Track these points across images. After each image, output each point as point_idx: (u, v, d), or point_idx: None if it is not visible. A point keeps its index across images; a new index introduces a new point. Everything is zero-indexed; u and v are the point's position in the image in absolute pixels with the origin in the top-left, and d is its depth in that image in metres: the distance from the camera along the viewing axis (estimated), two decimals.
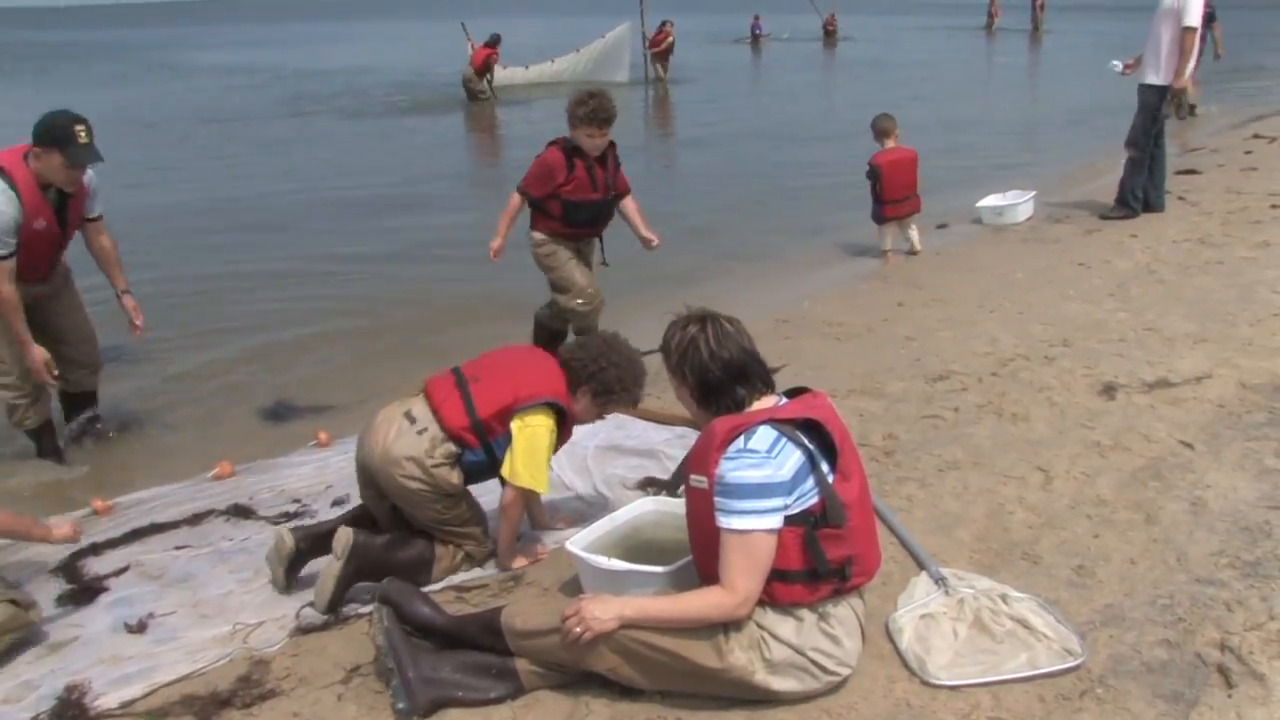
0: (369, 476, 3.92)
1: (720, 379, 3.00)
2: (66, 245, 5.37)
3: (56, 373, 5.30)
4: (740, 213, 11.49)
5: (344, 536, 3.74)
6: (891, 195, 8.76)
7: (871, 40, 37.66)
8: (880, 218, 8.93)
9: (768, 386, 3.06)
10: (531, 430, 3.82)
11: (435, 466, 3.79)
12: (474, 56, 23.48)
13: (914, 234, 8.98)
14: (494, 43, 23.50)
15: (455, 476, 3.85)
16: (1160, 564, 3.67)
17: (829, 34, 37.50)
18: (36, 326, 5.21)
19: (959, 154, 14.07)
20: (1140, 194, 9.61)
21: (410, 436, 3.82)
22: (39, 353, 5.16)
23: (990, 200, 9.91)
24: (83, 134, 4.88)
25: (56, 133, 4.86)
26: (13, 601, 3.68)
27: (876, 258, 9.05)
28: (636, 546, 3.63)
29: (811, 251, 9.72)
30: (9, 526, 3.84)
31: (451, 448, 3.84)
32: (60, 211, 5.12)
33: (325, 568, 3.75)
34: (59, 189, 5.04)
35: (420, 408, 3.89)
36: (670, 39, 26.97)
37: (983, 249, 9.10)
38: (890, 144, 8.73)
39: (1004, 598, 3.40)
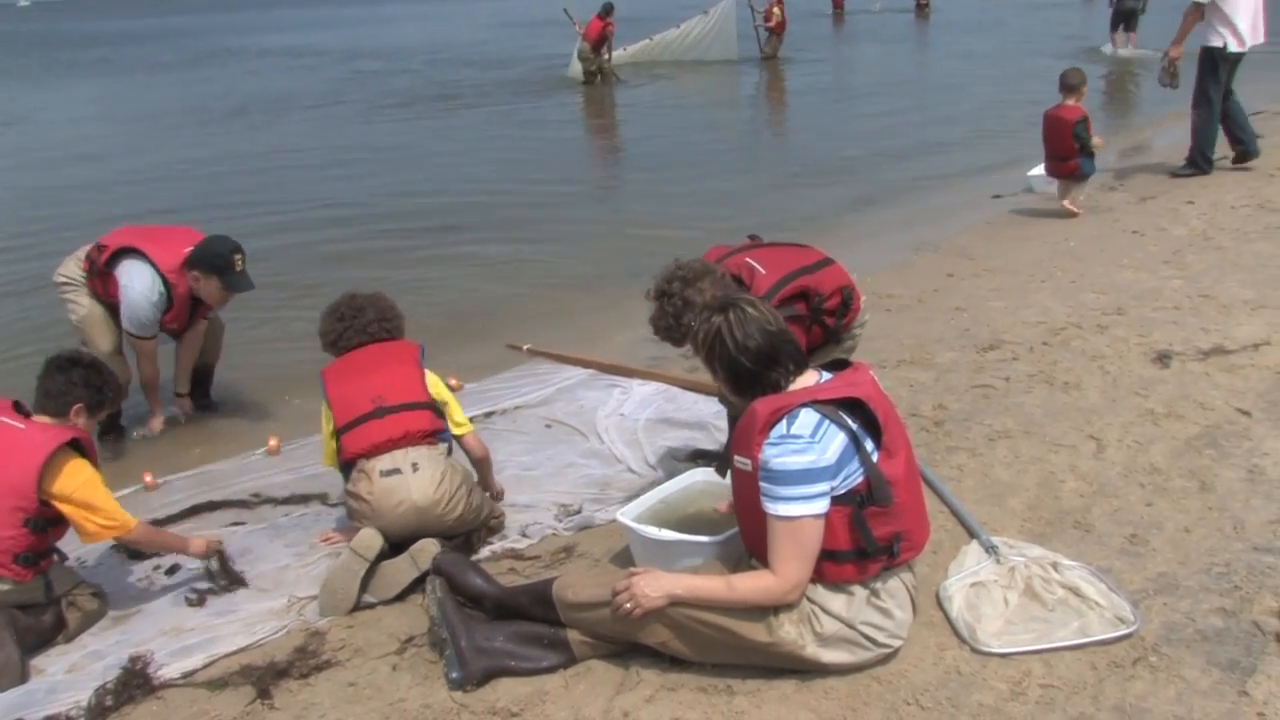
0: (407, 535, 3.95)
1: (751, 368, 2.97)
2: None
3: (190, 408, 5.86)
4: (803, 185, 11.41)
5: (431, 546, 3.81)
6: (1045, 150, 8.83)
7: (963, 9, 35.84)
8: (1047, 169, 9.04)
9: (800, 365, 3.03)
10: (442, 386, 4.24)
11: (453, 479, 3.99)
12: (588, 29, 21.43)
13: (1073, 194, 8.85)
14: (607, 12, 21.29)
15: (460, 468, 4.07)
16: (1216, 532, 3.63)
17: (921, 7, 35.86)
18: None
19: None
20: (1210, 154, 9.53)
21: (420, 481, 3.93)
22: (182, 404, 5.75)
23: (1040, 169, 9.76)
24: (239, 262, 5.28)
25: (218, 261, 5.24)
26: (94, 594, 3.87)
27: (928, 226, 8.99)
28: (686, 517, 3.64)
29: (861, 222, 9.67)
30: (154, 538, 4.00)
31: (439, 451, 4.04)
32: (190, 314, 5.59)
33: (398, 569, 3.80)
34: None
35: (389, 460, 3.97)
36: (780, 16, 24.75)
37: (1035, 218, 8.98)
38: (1070, 100, 8.58)
39: (1055, 566, 3.37)
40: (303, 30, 46.22)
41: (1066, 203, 8.82)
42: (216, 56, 34.62)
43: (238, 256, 5.25)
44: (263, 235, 9.37)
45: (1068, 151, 8.60)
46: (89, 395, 3.90)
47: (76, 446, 3.76)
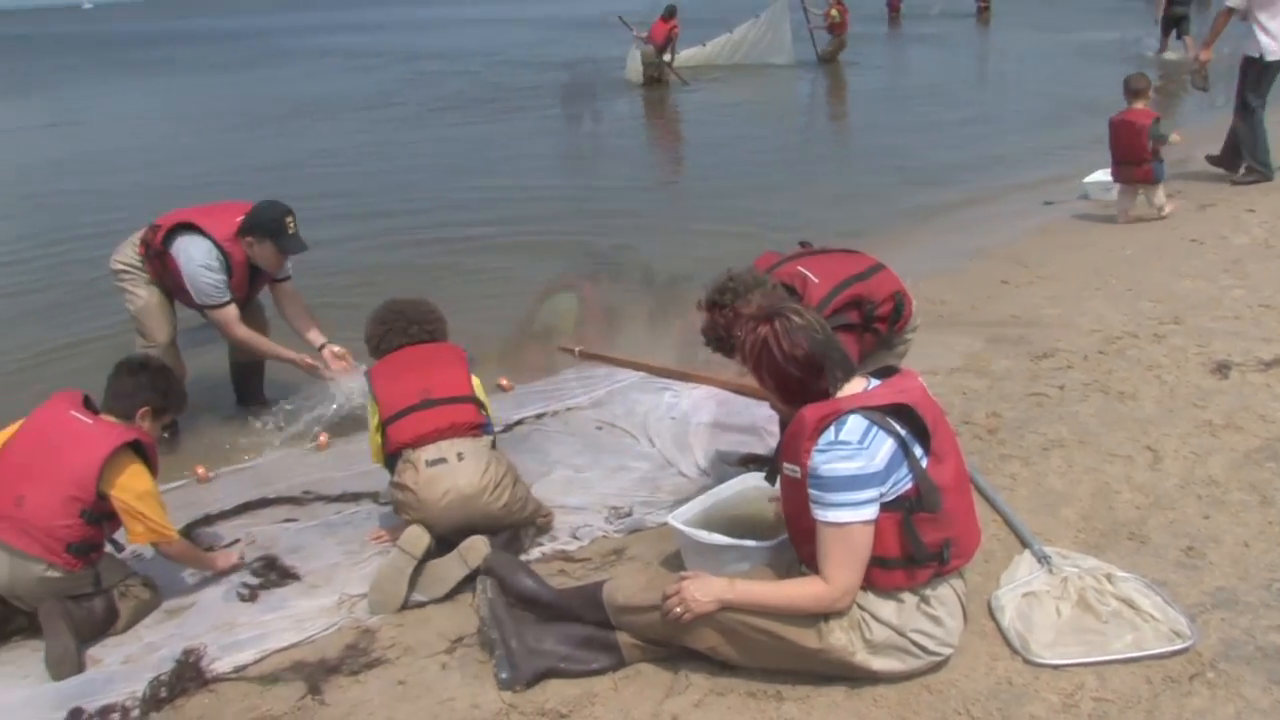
0: (454, 527, 3.98)
1: (799, 377, 2.97)
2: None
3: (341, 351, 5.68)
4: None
5: (480, 544, 3.83)
6: (1114, 156, 8.68)
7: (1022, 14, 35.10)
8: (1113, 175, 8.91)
9: (849, 373, 3.01)
10: (482, 390, 4.31)
11: (497, 468, 4.02)
12: (652, 32, 21.09)
13: (1156, 198, 8.67)
14: (671, 14, 20.90)
15: (504, 459, 4.13)
16: (1277, 547, 3.56)
17: (982, 10, 35.00)
18: None
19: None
20: (1265, 159, 9.38)
21: (466, 470, 3.96)
22: (316, 353, 5.63)
23: (1098, 176, 9.64)
24: (291, 225, 5.35)
25: (271, 225, 5.31)
26: (145, 585, 3.94)
27: (981, 233, 8.91)
28: (736, 522, 3.63)
29: (914, 228, 9.60)
30: (187, 555, 4.05)
31: (484, 442, 4.08)
32: (251, 283, 5.63)
33: (447, 568, 3.83)
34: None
35: (434, 450, 4.00)
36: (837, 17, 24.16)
37: (1091, 225, 8.87)
38: (1138, 104, 8.49)
39: (1109, 577, 3.33)
40: (360, 31, 46.66)
41: (1138, 210, 8.68)
42: (275, 57, 35.05)
43: (289, 219, 5.32)
44: (325, 228, 9.44)
45: (1141, 156, 8.43)
46: (155, 399, 3.97)
47: (139, 449, 3.83)
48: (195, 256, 5.27)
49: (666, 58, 21.40)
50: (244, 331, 5.51)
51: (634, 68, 21.58)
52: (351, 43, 39.15)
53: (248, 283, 5.56)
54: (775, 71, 23.37)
